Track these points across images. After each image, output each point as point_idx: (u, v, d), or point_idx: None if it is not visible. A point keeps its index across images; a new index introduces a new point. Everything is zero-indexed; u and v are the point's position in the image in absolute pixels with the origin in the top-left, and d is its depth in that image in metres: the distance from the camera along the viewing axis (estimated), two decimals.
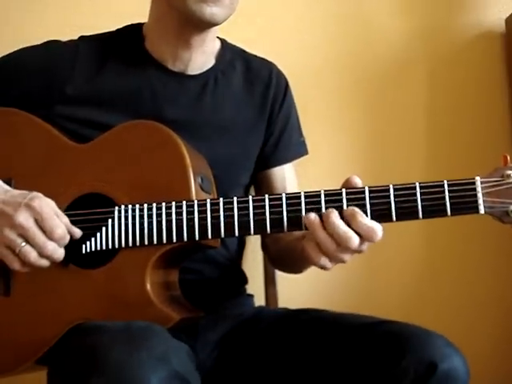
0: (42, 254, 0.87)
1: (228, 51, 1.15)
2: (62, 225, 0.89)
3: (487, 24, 1.54)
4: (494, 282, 1.50)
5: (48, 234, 0.87)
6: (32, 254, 0.87)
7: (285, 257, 1.14)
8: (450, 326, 1.46)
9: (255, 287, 1.25)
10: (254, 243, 1.28)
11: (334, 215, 0.81)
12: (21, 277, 0.93)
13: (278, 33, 1.51)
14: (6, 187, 0.94)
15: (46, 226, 0.87)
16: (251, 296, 1.20)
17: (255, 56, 1.19)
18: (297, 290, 1.39)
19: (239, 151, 1.11)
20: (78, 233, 0.92)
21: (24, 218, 0.86)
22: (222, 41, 1.16)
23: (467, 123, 1.53)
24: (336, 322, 0.97)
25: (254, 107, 1.13)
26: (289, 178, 1.18)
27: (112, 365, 0.72)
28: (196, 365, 0.87)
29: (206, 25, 1.02)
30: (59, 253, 0.89)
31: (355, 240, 0.80)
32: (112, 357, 0.72)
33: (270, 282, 1.33)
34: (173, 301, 0.93)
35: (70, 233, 0.90)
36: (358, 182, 0.86)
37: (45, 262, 0.88)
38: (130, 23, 1.12)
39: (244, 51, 1.19)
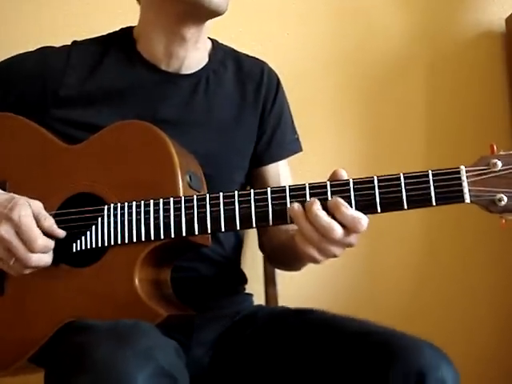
0: (26, 266, 0.89)
1: (219, 51, 1.16)
2: (40, 235, 0.89)
3: (487, 24, 1.54)
4: (496, 284, 1.48)
5: (28, 246, 0.88)
6: (22, 269, 0.89)
7: (279, 254, 1.14)
8: (450, 329, 1.46)
9: (255, 287, 1.25)
10: (253, 243, 1.28)
11: (316, 206, 0.81)
12: (14, 276, 0.94)
13: (279, 31, 1.52)
14: None
15: (24, 238, 0.88)
16: (250, 295, 1.20)
17: (246, 55, 1.20)
18: (297, 291, 1.39)
19: (232, 149, 1.12)
20: (61, 234, 0.92)
21: (5, 231, 0.87)
22: (213, 41, 1.17)
23: (467, 122, 1.52)
24: (329, 327, 0.95)
25: (246, 105, 1.14)
26: (283, 175, 1.18)
27: (98, 363, 0.72)
28: (191, 363, 0.87)
29: (210, 14, 1.04)
30: (45, 260, 0.90)
31: (338, 230, 0.80)
32: (98, 355, 0.72)
33: (269, 282, 1.32)
34: (162, 298, 0.93)
35: (53, 235, 0.91)
36: (344, 174, 0.85)
37: (34, 269, 0.90)
38: (123, 23, 1.15)
39: (235, 51, 1.19)
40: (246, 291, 1.19)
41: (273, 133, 1.16)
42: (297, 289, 1.38)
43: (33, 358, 0.94)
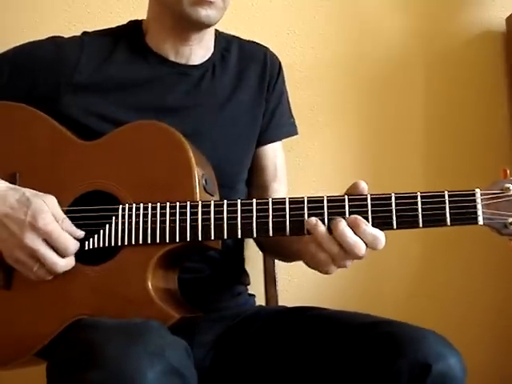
0: (56, 272, 0.91)
1: (222, 39, 1.19)
2: (72, 240, 0.91)
3: (488, 23, 1.55)
4: (494, 289, 1.51)
5: (62, 251, 0.90)
6: (48, 274, 0.91)
7: (276, 249, 1.17)
8: (449, 333, 1.48)
9: (255, 287, 1.26)
10: (254, 243, 1.29)
11: (343, 224, 0.83)
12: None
13: (279, 31, 1.52)
14: (1, 186, 0.94)
15: (57, 245, 0.90)
16: (252, 296, 1.21)
17: (248, 40, 1.23)
18: (297, 291, 1.40)
19: (239, 132, 1.14)
20: (81, 235, 0.93)
21: (31, 240, 0.88)
22: (215, 30, 1.19)
23: (467, 123, 1.54)
24: (332, 322, 0.97)
25: (251, 89, 1.17)
26: (279, 157, 1.22)
27: (109, 359, 0.72)
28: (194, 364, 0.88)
29: (201, 26, 1.07)
30: (72, 264, 0.92)
31: (363, 247, 0.83)
32: (109, 351, 0.73)
33: (270, 282, 1.34)
34: (173, 300, 0.94)
35: (73, 236, 0.92)
36: (365, 186, 0.87)
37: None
38: (128, 19, 1.16)
39: (236, 37, 1.22)
40: (248, 292, 1.21)
41: (272, 113, 1.19)
42: (297, 289, 1.40)
43: (38, 352, 0.94)
